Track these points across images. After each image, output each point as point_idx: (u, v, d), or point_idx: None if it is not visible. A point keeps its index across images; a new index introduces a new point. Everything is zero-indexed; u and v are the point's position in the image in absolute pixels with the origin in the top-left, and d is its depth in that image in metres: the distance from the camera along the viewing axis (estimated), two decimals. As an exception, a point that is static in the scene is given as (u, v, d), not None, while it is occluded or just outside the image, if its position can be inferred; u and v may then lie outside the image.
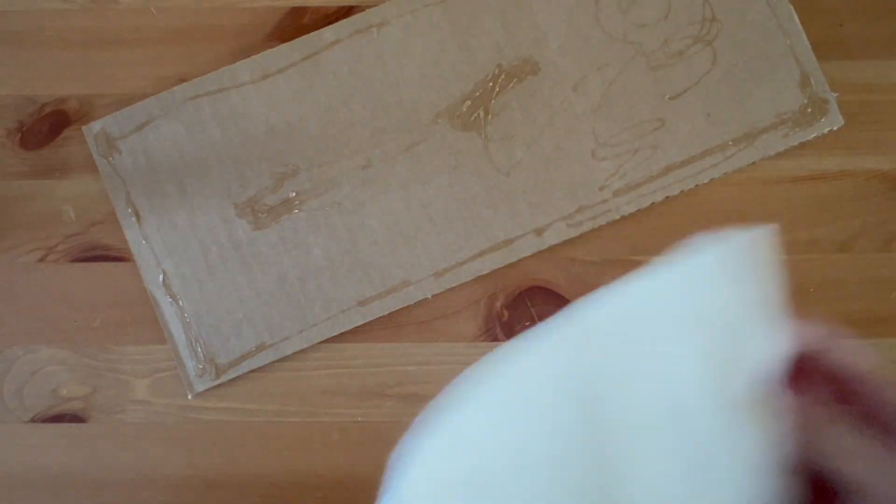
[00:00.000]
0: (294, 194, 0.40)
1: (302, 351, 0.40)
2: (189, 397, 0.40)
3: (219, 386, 0.40)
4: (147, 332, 0.41)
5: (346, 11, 0.42)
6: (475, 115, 0.40)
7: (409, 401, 0.40)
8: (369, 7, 0.41)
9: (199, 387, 0.40)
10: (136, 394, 0.40)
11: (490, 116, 0.40)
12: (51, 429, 0.40)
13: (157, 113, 0.41)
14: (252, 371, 0.40)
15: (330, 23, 0.41)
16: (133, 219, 0.40)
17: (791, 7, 0.40)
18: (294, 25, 0.42)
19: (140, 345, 0.41)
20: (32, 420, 0.41)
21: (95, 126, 0.41)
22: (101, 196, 0.41)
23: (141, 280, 0.40)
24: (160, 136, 0.41)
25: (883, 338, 0.40)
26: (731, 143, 0.40)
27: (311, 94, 0.41)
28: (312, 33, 0.41)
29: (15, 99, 0.42)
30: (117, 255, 0.41)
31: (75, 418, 0.40)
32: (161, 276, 0.40)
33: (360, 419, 0.40)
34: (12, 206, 0.41)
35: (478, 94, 0.41)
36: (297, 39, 0.41)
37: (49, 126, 0.42)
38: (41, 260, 0.41)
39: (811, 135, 0.40)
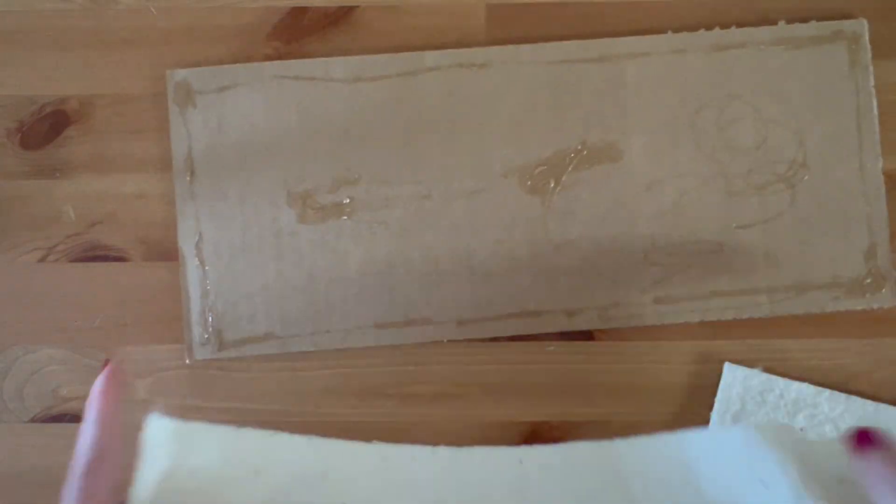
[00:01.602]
0: (348, 201, 0.40)
1: (304, 350, 0.40)
2: (186, 361, 0.40)
3: (219, 385, 0.41)
4: (147, 332, 0.41)
5: (347, 12, 0.42)
6: (545, 182, 0.40)
7: (409, 401, 0.41)
8: (370, 7, 0.41)
9: (200, 355, 0.40)
10: (136, 394, 0.41)
11: (559, 188, 0.40)
12: (51, 429, 0.41)
13: (243, 80, 0.41)
14: (253, 370, 0.40)
15: (331, 23, 0.41)
16: (187, 175, 0.40)
17: (882, 178, 0.40)
18: (294, 25, 0.42)
19: (140, 345, 0.41)
20: (32, 420, 0.41)
21: (179, 73, 0.41)
22: (101, 196, 0.41)
23: (141, 280, 0.41)
24: (239, 103, 0.41)
25: (882, 338, 0.41)
26: (781, 288, 0.40)
27: (396, 112, 0.41)
28: (414, 53, 0.41)
29: (15, 99, 0.42)
30: (117, 255, 0.41)
31: (75, 418, 0.41)
32: (196, 238, 0.40)
33: (360, 419, 0.41)
34: (12, 206, 0.42)
35: (554, 162, 0.40)
36: (398, 54, 0.41)
37: (49, 126, 0.42)
38: (41, 260, 0.41)
39: (860, 306, 0.40)
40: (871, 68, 0.40)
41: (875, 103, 0.40)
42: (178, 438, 0.32)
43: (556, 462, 0.34)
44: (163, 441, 0.32)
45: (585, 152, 0.40)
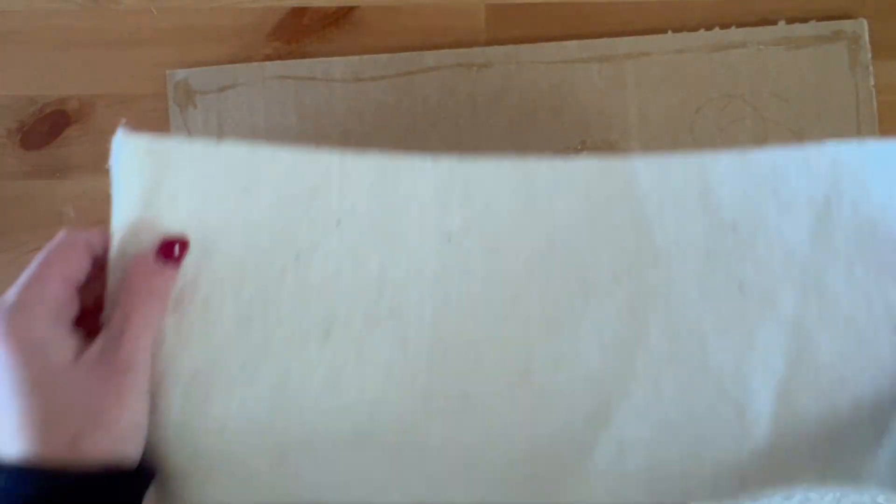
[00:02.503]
0: (348, 201, 0.40)
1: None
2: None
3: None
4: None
5: (347, 12, 0.42)
6: (545, 181, 0.40)
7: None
8: (370, 7, 0.41)
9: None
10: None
11: (559, 188, 0.40)
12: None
13: (243, 80, 0.41)
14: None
15: (331, 23, 0.41)
16: (188, 175, 0.40)
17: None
18: (294, 25, 0.42)
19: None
20: None
21: (179, 73, 0.41)
22: (101, 196, 0.41)
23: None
24: (239, 103, 0.41)
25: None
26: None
27: (396, 111, 0.41)
28: (414, 53, 0.41)
29: (15, 99, 0.42)
30: (117, 256, 0.41)
31: None
32: (196, 237, 0.40)
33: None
34: (12, 206, 0.42)
35: (554, 162, 0.40)
36: (398, 54, 0.41)
37: (49, 126, 0.42)
38: (42, 260, 0.41)
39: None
40: (871, 68, 0.40)
41: (875, 103, 0.40)
42: (153, 158, 0.29)
43: (564, 176, 0.31)
44: (135, 163, 0.29)
45: (585, 152, 0.40)
